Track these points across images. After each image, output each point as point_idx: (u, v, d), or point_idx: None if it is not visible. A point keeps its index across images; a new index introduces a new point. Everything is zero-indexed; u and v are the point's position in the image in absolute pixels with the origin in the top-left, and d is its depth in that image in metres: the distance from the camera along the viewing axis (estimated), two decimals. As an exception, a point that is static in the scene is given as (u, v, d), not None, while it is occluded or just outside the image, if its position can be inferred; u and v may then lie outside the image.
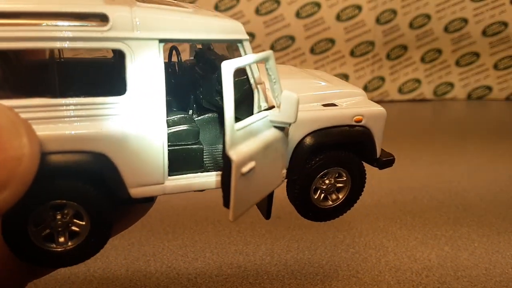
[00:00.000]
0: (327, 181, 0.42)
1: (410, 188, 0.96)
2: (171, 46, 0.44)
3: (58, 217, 0.31)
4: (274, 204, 0.88)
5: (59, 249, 0.31)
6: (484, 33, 2.98)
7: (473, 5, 2.96)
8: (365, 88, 3.10)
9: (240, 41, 0.31)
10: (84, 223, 0.32)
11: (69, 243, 0.31)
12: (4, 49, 0.25)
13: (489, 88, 3.09)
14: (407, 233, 0.71)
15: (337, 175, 0.43)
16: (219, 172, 0.34)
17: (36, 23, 0.25)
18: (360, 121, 0.41)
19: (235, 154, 0.29)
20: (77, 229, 0.31)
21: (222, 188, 0.34)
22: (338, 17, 2.98)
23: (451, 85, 3.11)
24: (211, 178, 0.35)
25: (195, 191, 0.35)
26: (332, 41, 3.00)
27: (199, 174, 0.34)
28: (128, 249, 0.65)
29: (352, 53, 3.00)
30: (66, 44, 0.26)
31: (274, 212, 0.82)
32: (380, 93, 3.10)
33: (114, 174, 0.30)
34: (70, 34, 0.26)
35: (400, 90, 3.10)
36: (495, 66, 3.05)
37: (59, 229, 0.31)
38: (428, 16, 3.02)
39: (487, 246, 0.66)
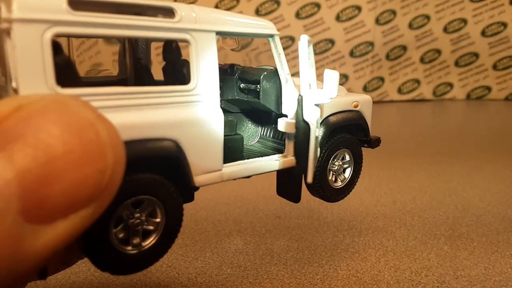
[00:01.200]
0: (336, 163, 0.47)
1: (410, 188, 0.96)
2: None
3: (137, 215, 0.29)
4: (273, 204, 0.88)
5: (134, 251, 0.29)
6: (483, 33, 2.99)
7: (472, 6, 2.97)
8: (365, 88, 3.11)
9: (272, 35, 0.37)
10: (159, 219, 0.30)
11: (143, 244, 0.29)
12: (110, 35, 0.27)
13: (488, 88, 3.10)
14: (406, 232, 0.71)
15: (342, 157, 0.48)
16: (264, 158, 0.39)
17: (119, 12, 0.27)
18: (357, 106, 0.48)
19: (310, 121, 0.35)
20: (151, 227, 0.30)
21: (297, 155, 0.38)
22: (338, 18, 2.99)
23: (450, 85, 3.12)
24: (257, 164, 0.38)
25: (243, 177, 0.38)
26: (332, 42, 3.01)
27: (246, 161, 0.38)
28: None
29: (351, 54, 3.01)
30: (144, 33, 0.28)
31: (274, 212, 0.83)
32: (379, 93, 3.10)
33: (184, 161, 0.30)
34: (149, 24, 0.28)
35: (399, 90, 3.10)
36: (494, 67, 3.05)
37: (136, 228, 0.29)
38: (427, 17, 3.02)
39: (486, 245, 0.67)
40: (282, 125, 0.37)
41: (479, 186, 0.97)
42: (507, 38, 3.00)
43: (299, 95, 0.36)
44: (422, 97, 3.08)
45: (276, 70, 0.39)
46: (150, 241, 0.30)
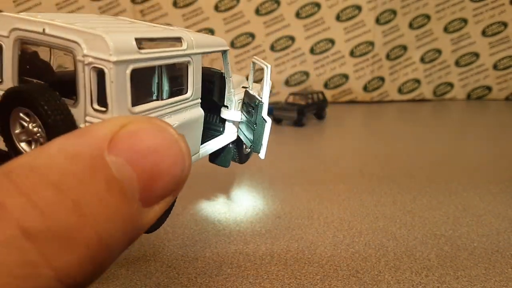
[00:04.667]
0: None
1: (409, 188, 0.96)
2: None
3: None
4: (273, 204, 0.88)
5: None
6: (483, 33, 2.99)
7: (472, 6, 2.97)
8: (365, 88, 3.11)
9: (226, 51, 0.48)
10: None
11: None
12: (156, 65, 0.35)
13: (489, 88, 3.10)
14: (406, 232, 0.71)
15: None
16: (216, 139, 0.52)
17: (155, 44, 0.34)
18: None
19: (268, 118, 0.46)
20: None
21: (255, 140, 0.48)
22: (338, 18, 2.99)
23: (450, 85, 3.12)
24: (213, 143, 0.51)
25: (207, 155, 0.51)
26: (332, 41, 3.01)
27: (207, 143, 0.49)
28: (128, 249, 0.65)
29: (352, 53, 3.01)
30: (171, 61, 0.37)
31: (274, 212, 0.83)
32: (380, 93, 3.10)
33: None
34: (173, 53, 0.36)
35: (399, 90, 3.10)
36: (495, 66, 3.06)
37: None
38: (427, 17, 3.02)
39: (487, 246, 0.67)
40: (225, 113, 0.50)
41: (479, 186, 0.97)
42: (507, 38, 2.99)
43: (260, 101, 0.46)
44: (423, 97, 3.08)
45: (222, 73, 0.49)
46: None
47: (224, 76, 0.50)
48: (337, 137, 1.79)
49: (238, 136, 0.56)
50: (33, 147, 0.31)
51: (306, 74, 3.01)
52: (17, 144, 0.31)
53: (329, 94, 3.00)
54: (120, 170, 0.21)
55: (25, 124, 0.30)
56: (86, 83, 0.29)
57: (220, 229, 0.72)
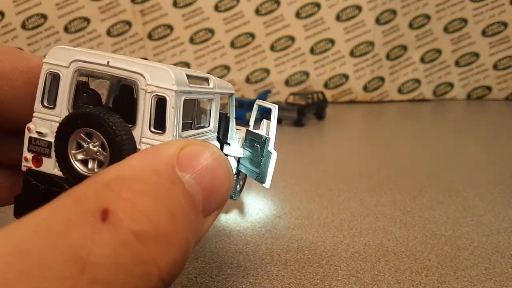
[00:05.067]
0: None
1: (410, 188, 0.96)
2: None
3: None
4: (273, 205, 0.88)
5: None
6: (483, 33, 2.99)
7: (472, 5, 2.97)
8: (365, 88, 3.11)
9: (233, 94, 0.52)
10: None
11: None
12: (196, 98, 0.40)
13: (489, 88, 3.10)
14: (406, 232, 0.71)
15: None
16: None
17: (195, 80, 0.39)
18: None
19: (274, 151, 0.51)
20: None
21: (262, 172, 0.52)
22: (338, 17, 2.99)
23: (450, 85, 3.12)
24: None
25: None
26: (332, 41, 3.01)
27: None
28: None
29: (351, 53, 3.01)
30: (206, 96, 0.42)
31: (274, 212, 0.83)
32: (379, 93, 3.10)
33: None
34: (207, 90, 0.42)
35: (399, 90, 3.10)
36: (495, 66, 3.06)
37: None
38: (427, 17, 3.02)
39: (487, 246, 0.67)
40: (228, 149, 0.53)
41: (479, 186, 0.97)
42: (507, 38, 3.00)
43: (267, 137, 0.52)
44: (423, 97, 3.08)
45: (227, 114, 0.53)
46: None
47: (229, 117, 0.54)
48: (337, 137, 1.79)
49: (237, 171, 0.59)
50: (90, 165, 0.34)
51: (306, 74, 3.01)
52: (73, 162, 0.34)
53: (329, 94, 3.00)
54: (190, 185, 0.25)
55: (84, 144, 0.33)
56: (146, 109, 0.33)
57: (220, 229, 0.72)
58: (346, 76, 3.04)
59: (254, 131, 0.57)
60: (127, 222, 0.21)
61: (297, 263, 0.61)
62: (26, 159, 0.36)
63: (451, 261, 0.61)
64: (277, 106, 0.54)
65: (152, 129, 0.33)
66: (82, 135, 0.33)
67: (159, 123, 0.34)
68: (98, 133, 0.32)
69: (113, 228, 0.21)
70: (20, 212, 0.35)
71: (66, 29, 2.80)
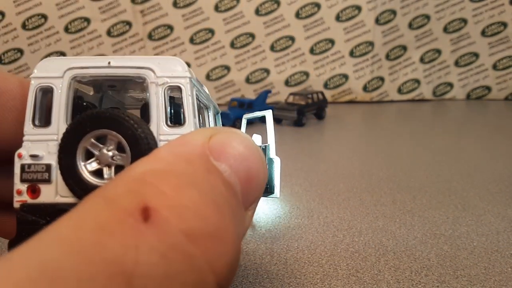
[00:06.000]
0: None
1: (410, 188, 0.96)
2: None
3: None
4: (273, 204, 0.88)
5: None
6: (483, 33, 2.99)
7: (472, 6, 2.97)
8: (365, 88, 3.11)
9: (219, 112, 0.54)
10: None
11: None
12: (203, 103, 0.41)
13: (488, 88, 3.10)
14: (406, 232, 0.71)
15: None
16: None
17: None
18: None
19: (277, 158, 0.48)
20: None
21: (269, 182, 0.50)
22: (338, 18, 2.99)
23: (450, 85, 3.12)
24: None
25: None
26: (332, 42, 3.01)
27: None
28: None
29: (351, 54, 3.01)
30: (204, 100, 0.41)
31: (274, 212, 0.83)
32: (379, 93, 3.10)
33: None
34: (205, 93, 0.42)
35: (399, 90, 3.10)
36: (494, 66, 3.06)
37: None
38: (427, 17, 3.02)
39: (486, 245, 0.67)
40: None
41: (479, 186, 0.97)
42: (507, 38, 3.00)
43: (266, 145, 0.51)
44: (422, 97, 3.08)
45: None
46: None
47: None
48: (337, 137, 1.79)
49: None
50: (105, 174, 0.30)
51: (306, 74, 3.01)
52: (85, 176, 0.30)
53: (329, 94, 3.00)
54: (229, 175, 0.22)
55: (95, 152, 0.30)
56: (159, 103, 0.31)
57: (220, 229, 0.72)
58: (346, 76, 3.04)
59: None
60: (175, 220, 0.18)
61: (297, 262, 0.61)
62: (20, 192, 0.30)
63: (450, 261, 0.61)
64: (270, 111, 0.53)
65: (169, 123, 0.31)
66: (92, 140, 0.30)
67: (176, 116, 0.32)
68: (114, 133, 0.29)
69: (159, 229, 0.17)
70: None
71: (66, 29, 2.80)
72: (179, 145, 0.22)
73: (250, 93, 2.96)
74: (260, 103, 2.11)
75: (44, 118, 0.32)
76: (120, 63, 0.32)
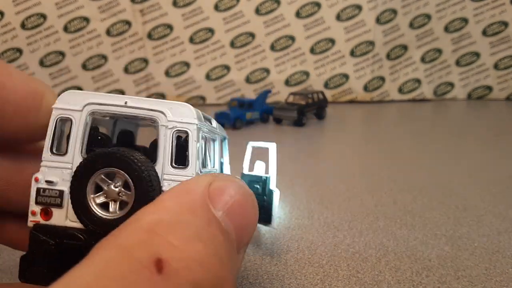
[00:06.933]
0: None
1: (410, 188, 0.96)
2: None
3: None
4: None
5: None
6: (484, 32, 2.98)
7: (473, 5, 2.96)
8: (365, 88, 3.11)
9: (226, 138, 0.54)
10: None
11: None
12: (208, 137, 0.42)
13: (489, 88, 3.09)
14: (407, 233, 0.71)
15: None
16: None
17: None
18: None
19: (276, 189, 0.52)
20: None
21: (266, 213, 0.55)
22: (338, 17, 2.98)
23: (451, 85, 3.11)
24: None
25: None
26: (332, 41, 3.00)
27: None
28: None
29: (352, 53, 3.00)
30: (209, 135, 0.42)
31: (274, 212, 0.82)
32: (380, 93, 3.09)
33: None
34: (211, 128, 0.43)
35: (400, 90, 3.10)
36: (495, 66, 3.05)
37: None
38: (428, 16, 3.02)
39: (487, 246, 0.66)
40: None
41: (480, 187, 0.97)
42: (508, 37, 2.99)
43: (267, 176, 0.52)
44: (423, 97, 3.08)
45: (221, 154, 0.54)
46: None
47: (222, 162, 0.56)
48: (338, 137, 1.78)
49: None
50: (111, 208, 0.32)
51: (306, 74, 3.01)
52: (92, 207, 0.32)
53: (329, 94, 3.00)
54: (225, 223, 0.24)
55: (104, 187, 0.32)
56: (167, 145, 0.34)
57: (220, 229, 0.72)
58: (346, 76, 3.04)
59: (250, 173, 0.57)
60: (184, 272, 0.20)
61: (297, 263, 0.60)
62: (34, 213, 0.33)
63: (451, 261, 0.61)
64: (274, 144, 0.53)
65: (174, 164, 0.33)
66: (102, 176, 0.32)
67: (180, 159, 0.34)
68: (122, 172, 0.32)
69: (171, 281, 0.19)
70: (26, 273, 0.32)
71: (65, 28, 2.79)
72: (183, 193, 0.25)
73: (250, 93, 2.95)
74: (260, 103, 2.11)
75: (61, 146, 0.35)
76: (136, 104, 0.34)
